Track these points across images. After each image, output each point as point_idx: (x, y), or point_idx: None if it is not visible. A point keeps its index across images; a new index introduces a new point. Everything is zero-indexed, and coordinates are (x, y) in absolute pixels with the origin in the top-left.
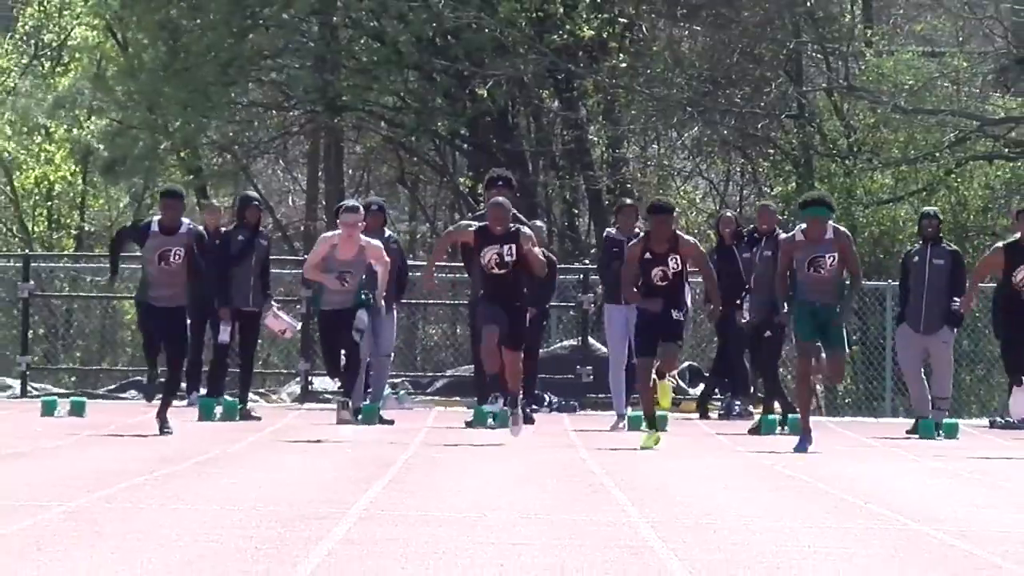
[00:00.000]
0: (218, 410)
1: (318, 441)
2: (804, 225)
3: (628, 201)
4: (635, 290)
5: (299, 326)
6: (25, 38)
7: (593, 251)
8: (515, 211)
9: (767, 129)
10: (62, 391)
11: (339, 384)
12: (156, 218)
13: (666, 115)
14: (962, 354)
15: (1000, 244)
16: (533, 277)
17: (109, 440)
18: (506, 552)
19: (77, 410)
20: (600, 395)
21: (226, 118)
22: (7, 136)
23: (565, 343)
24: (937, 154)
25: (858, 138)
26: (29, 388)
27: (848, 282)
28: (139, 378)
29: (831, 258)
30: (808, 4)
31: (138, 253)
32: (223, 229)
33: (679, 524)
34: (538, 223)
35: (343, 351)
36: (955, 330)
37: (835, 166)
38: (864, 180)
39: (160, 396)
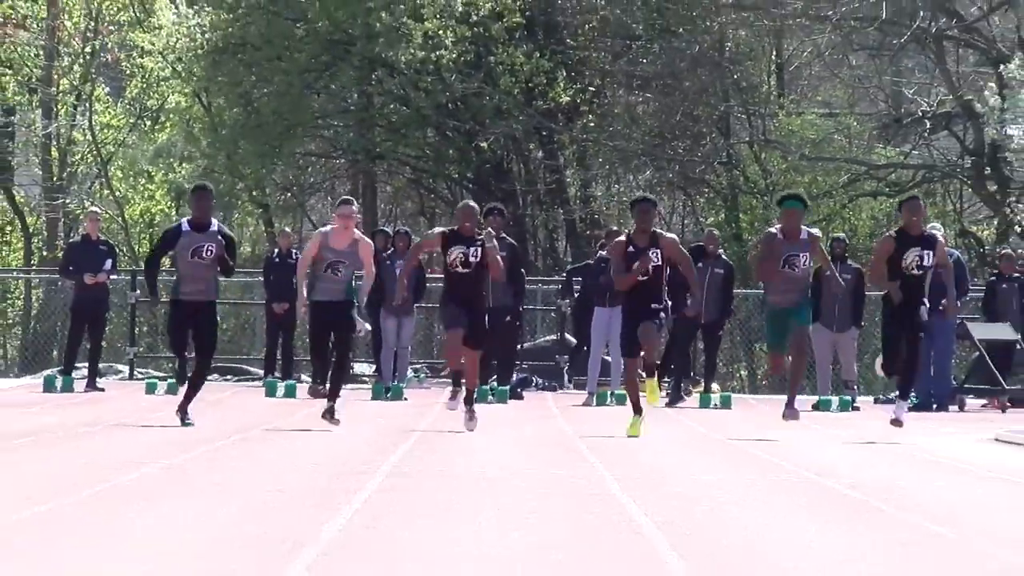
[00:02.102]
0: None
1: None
2: (780, 224)
3: (615, 227)
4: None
5: (369, 326)
6: (132, 103)
7: (569, 265)
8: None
9: (703, 173)
10: (161, 375)
11: (316, 374)
12: (186, 219)
13: (625, 162)
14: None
15: (890, 232)
16: (498, 282)
17: (196, 413)
18: (501, 499)
19: (172, 390)
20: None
21: (288, 164)
22: (119, 179)
23: (548, 337)
24: (833, 192)
25: (773, 180)
26: (136, 372)
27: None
28: (219, 364)
29: (804, 258)
30: (735, 76)
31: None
32: (294, 250)
33: (636, 477)
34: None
35: (333, 345)
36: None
37: (755, 201)
38: (777, 212)
39: (187, 386)
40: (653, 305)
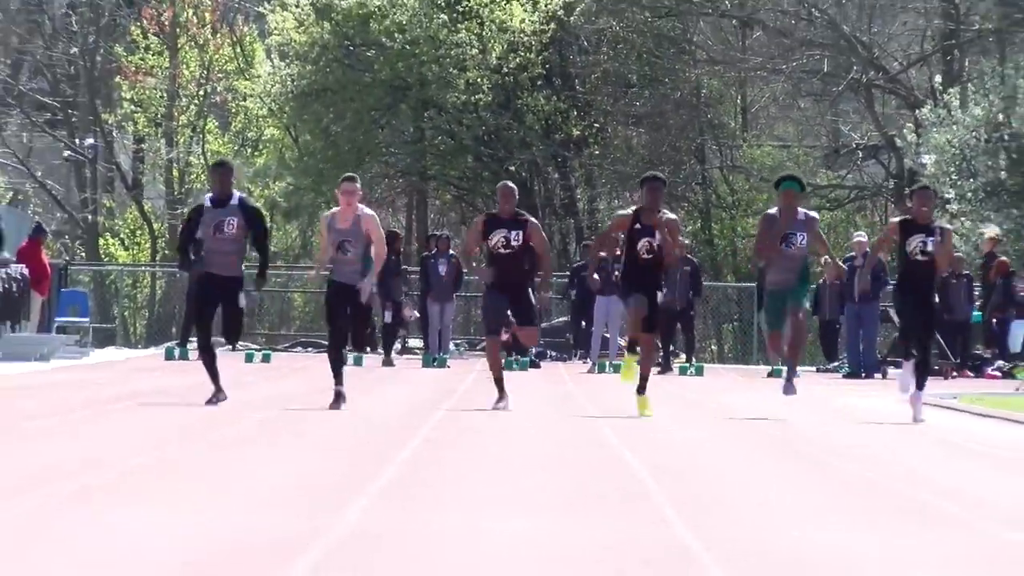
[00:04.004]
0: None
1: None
2: (776, 208)
3: (612, 235)
4: (595, 277)
5: (417, 313)
6: (236, 135)
7: (574, 265)
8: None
9: (683, 192)
10: (257, 347)
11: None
12: (208, 196)
13: (623, 183)
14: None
15: (895, 219)
16: (540, 266)
17: (284, 377)
18: (525, 445)
19: (266, 359)
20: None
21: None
22: None
23: (560, 319)
24: None
25: (738, 197)
26: (236, 345)
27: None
28: (302, 340)
29: (801, 237)
30: (708, 116)
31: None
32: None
33: (627, 427)
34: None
35: (349, 327)
36: None
37: (724, 214)
38: (742, 222)
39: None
40: (657, 292)
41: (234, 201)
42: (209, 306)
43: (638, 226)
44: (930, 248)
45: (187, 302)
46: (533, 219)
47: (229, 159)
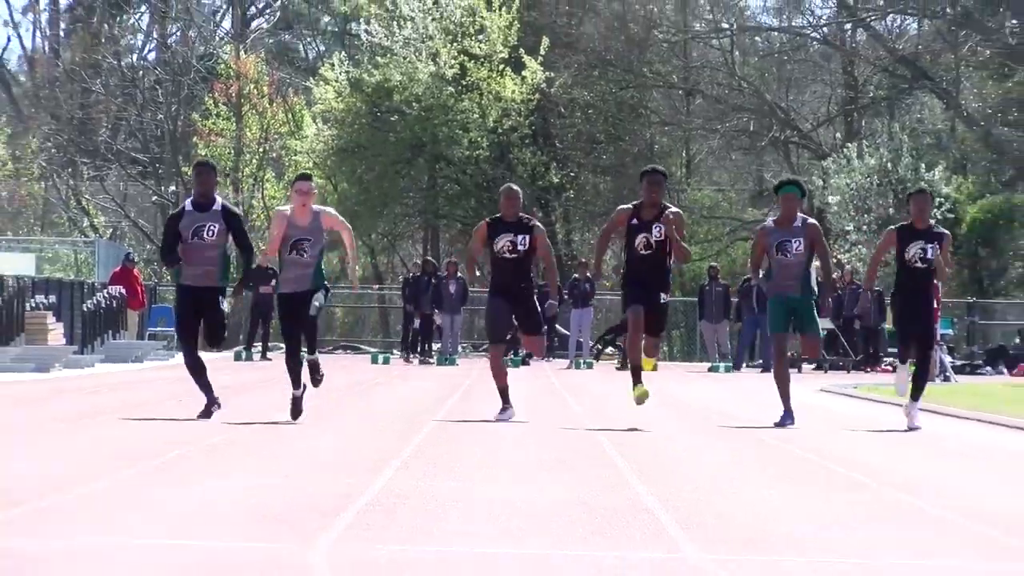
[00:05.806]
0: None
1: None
2: (774, 216)
3: (583, 259)
4: (603, 263)
5: (439, 320)
6: (289, 184)
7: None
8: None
9: None
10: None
11: (291, 375)
12: (189, 200)
13: (592, 220)
14: (732, 333)
15: (892, 227)
16: (547, 275)
17: (327, 375)
18: (520, 431)
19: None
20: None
21: (385, 222)
22: None
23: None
24: (720, 238)
25: (685, 235)
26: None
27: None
28: (342, 344)
29: (797, 243)
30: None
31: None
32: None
33: (598, 411)
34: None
35: (301, 335)
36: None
37: None
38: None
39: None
40: (661, 293)
41: (217, 206)
42: (191, 320)
43: (635, 222)
44: (930, 255)
45: (251, 314)
46: (539, 224)
47: (212, 160)
